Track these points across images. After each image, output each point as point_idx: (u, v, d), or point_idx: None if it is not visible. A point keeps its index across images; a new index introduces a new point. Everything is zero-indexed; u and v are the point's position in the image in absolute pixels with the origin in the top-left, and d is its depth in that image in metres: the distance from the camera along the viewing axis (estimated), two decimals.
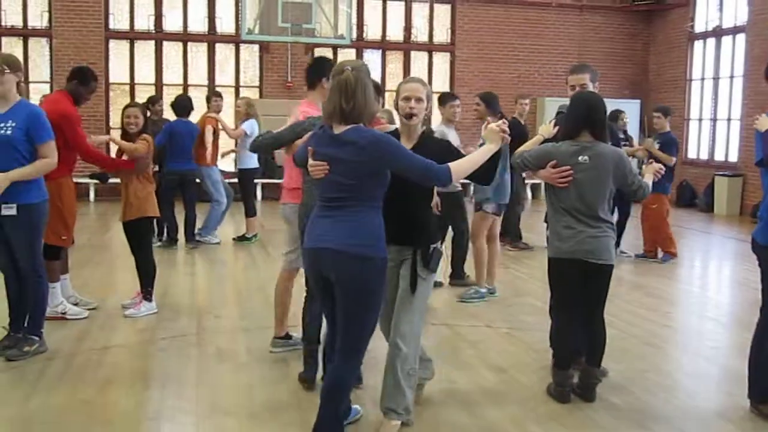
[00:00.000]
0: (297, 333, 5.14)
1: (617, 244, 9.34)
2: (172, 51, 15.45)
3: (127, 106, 6.37)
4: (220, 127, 9.95)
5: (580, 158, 4.30)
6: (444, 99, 7.56)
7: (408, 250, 3.86)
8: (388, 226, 3.58)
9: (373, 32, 16.20)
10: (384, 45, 16.29)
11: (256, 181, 11.61)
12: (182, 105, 9.62)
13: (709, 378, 5.12)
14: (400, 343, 3.86)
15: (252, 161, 10.03)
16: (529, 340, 5.74)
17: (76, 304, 6.23)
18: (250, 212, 9.96)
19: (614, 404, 4.43)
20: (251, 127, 9.80)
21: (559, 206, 4.39)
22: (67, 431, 3.93)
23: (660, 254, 9.29)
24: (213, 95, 10.33)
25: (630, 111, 11.92)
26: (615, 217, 9.06)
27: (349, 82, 3.47)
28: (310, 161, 3.58)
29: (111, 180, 7.23)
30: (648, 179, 4.56)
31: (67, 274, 6.39)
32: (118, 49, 15.22)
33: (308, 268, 3.71)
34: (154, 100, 10.34)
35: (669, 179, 9.05)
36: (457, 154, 3.82)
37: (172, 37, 15.35)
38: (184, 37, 15.40)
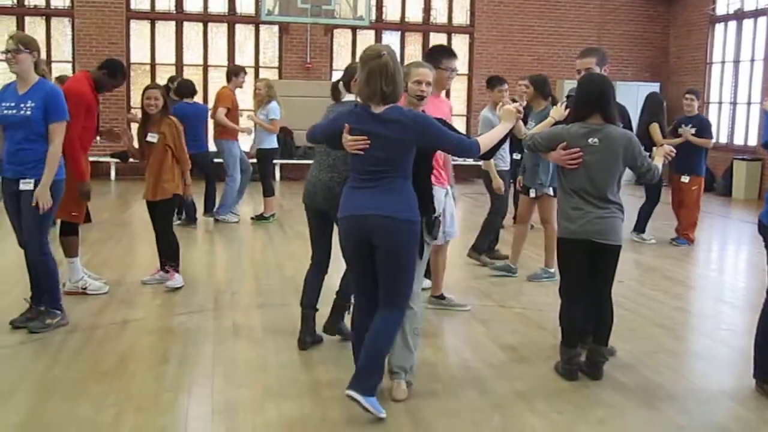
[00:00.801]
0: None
1: (642, 230, 9.32)
2: (192, 31, 15.54)
3: (147, 87, 6.44)
4: (239, 106, 9.98)
5: (589, 140, 4.35)
6: (492, 83, 7.66)
7: None
8: None
9: (392, 14, 16.19)
10: (403, 26, 16.27)
11: (275, 161, 11.67)
12: (187, 87, 9.68)
13: (719, 360, 5.13)
14: (410, 303, 4.09)
15: (271, 141, 9.97)
16: (540, 320, 5.80)
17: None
18: (268, 192, 10.00)
19: (621, 383, 4.49)
20: (274, 110, 9.85)
21: (568, 188, 4.44)
22: (87, 402, 4.04)
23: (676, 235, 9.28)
24: (240, 70, 10.14)
25: None
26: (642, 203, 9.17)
27: (388, 66, 3.74)
28: (348, 137, 3.80)
29: (131, 160, 7.33)
30: (658, 162, 4.60)
31: None
32: (139, 30, 15.33)
33: (348, 234, 3.93)
34: (174, 80, 10.44)
35: (704, 161, 9.05)
36: (453, 129, 4.12)
37: (193, 17, 15.44)
38: (205, 18, 15.47)
